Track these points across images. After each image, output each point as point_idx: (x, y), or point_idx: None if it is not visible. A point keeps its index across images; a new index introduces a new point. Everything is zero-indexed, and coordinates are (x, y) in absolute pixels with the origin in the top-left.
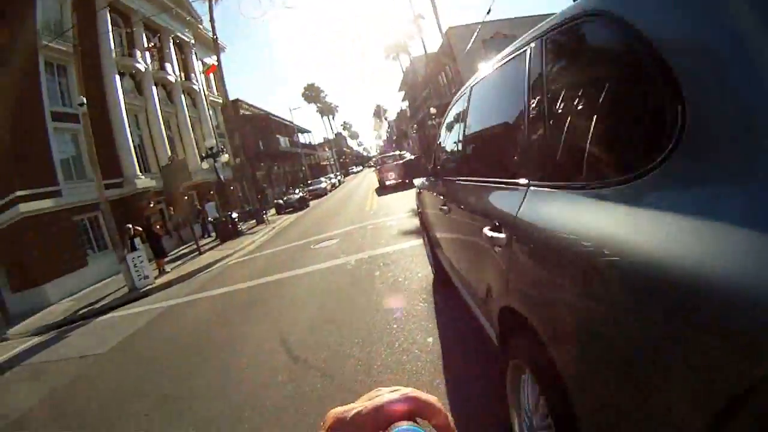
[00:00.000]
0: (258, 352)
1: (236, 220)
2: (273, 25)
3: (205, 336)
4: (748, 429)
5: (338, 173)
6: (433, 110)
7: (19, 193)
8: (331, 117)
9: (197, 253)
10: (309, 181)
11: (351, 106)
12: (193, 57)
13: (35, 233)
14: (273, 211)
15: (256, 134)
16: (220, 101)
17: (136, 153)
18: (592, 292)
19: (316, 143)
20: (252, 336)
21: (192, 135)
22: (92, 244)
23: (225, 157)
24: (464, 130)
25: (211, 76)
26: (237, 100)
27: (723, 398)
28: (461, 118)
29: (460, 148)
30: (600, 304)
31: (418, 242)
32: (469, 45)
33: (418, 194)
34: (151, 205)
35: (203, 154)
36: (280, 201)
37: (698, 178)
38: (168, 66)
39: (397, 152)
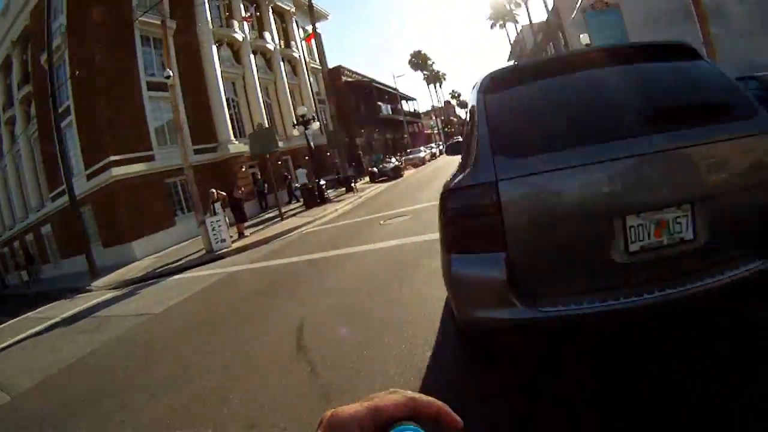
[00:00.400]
0: (274, 327)
1: (324, 187)
2: None
3: (243, 306)
4: None
5: (440, 143)
6: None
7: (112, 158)
8: (438, 85)
9: (279, 219)
10: (408, 150)
11: (459, 74)
12: (294, 25)
13: (126, 195)
14: (367, 179)
15: (357, 101)
16: (321, 68)
17: (231, 119)
18: None
19: (423, 111)
20: (277, 311)
21: (290, 101)
22: (182, 206)
23: (316, 125)
24: None
25: (313, 42)
26: (339, 67)
27: None
28: None
29: None
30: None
31: None
32: (574, 14)
33: None
34: (243, 170)
35: (299, 120)
36: (374, 169)
37: None
38: (267, 35)
39: None
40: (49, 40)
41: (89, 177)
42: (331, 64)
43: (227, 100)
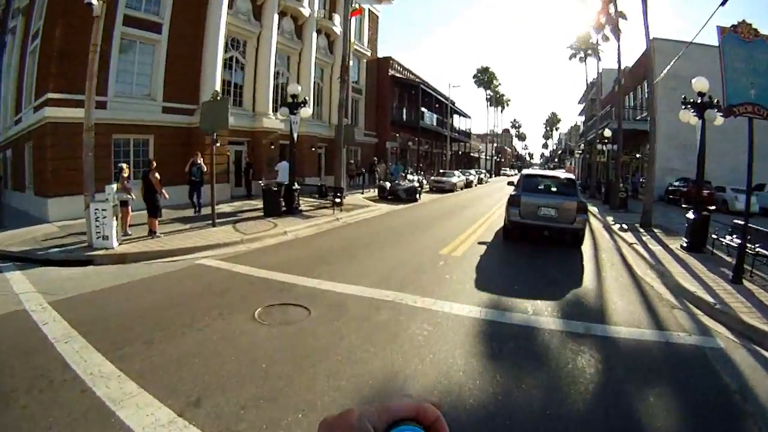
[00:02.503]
0: None
1: (297, 192)
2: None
3: None
4: None
5: (484, 170)
6: (608, 132)
7: (50, 95)
8: (500, 109)
9: (211, 224)
10: (441, 170)
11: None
12: None
13: (58, 141)
14: (374, 192)
15: (401, 100)
16: (368, 54)
17: (226, 83)
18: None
19: (479, 133)
20: None
21: (312, 78)
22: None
23: (307, 112)
24: None
25: (366, 24)
26: (389, 59)
27: None
28: None
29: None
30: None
31: None
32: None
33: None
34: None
35: (289, 101)
36: (385, 183)
37: None
38: None
39: (559, 172)
40: None
41: (35, 110)
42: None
43: (229, 59)
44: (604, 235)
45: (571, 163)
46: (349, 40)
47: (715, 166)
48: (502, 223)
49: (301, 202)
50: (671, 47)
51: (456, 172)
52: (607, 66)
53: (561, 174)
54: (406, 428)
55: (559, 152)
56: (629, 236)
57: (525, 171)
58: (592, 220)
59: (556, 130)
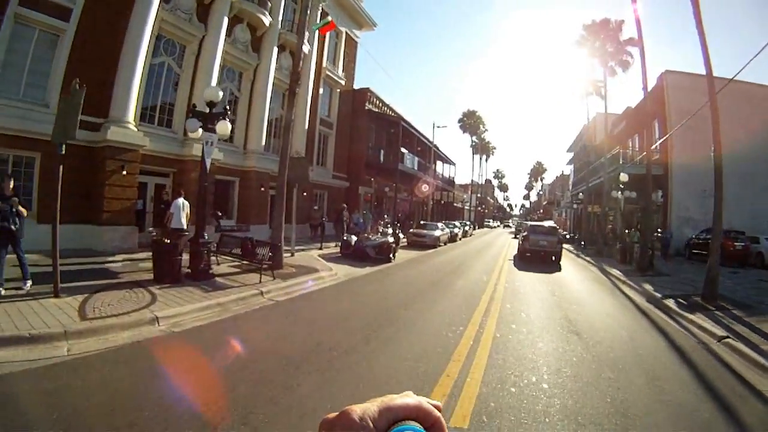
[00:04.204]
0: None
1: (208, 246)
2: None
3: None
4: None
5: (469, 222)
6: (623, 176)
7: None
8: (485, 157)
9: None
10: (423, 221)
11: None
12: (319, 13)
13: None
14: (335, 246)
15: (378, 140)
16: (343, 83)
17: (147, 94)
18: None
19: (461, 183)
20: None
21: (268, 101)
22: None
23: (226, 128)
24: None
25: (342, 49)
26: (367, 90)
27: None
28: None
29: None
30: None
31: None
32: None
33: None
34: (124, 173)
35: (201, 112)
36: (350, 237)
37: None
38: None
39: (547, 223)
40: None
41: None
42: (356, 85)
43: (158, 65)
44: (667, 322)
45: (560, 215)
46: (320, 64)
47: (733, 214)
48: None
49: (222, 260)
50: (686, 80)
51: (439, 224)
52: (612, 108)
53: (547, 224)
54: (407, 428)
55: (544, 203)
56: (705, 322)
57: (531, 223)
58: (629, 291)
59: (541, 180)
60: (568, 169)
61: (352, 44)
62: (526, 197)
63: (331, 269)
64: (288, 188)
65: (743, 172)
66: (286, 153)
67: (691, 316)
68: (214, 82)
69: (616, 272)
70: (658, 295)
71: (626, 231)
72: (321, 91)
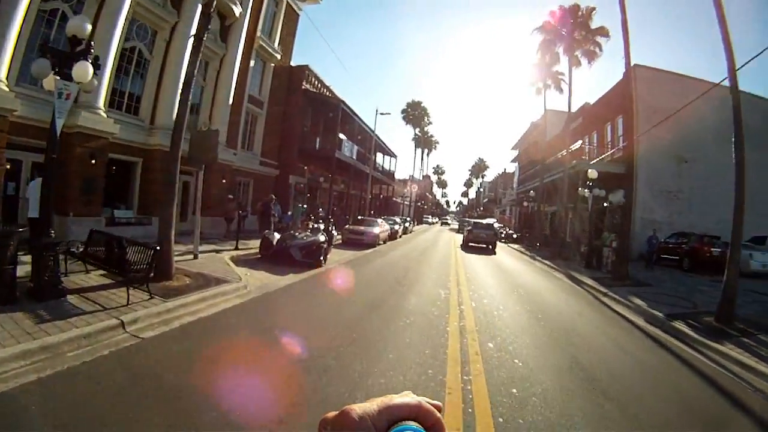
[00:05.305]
0: None
1: (56, 248)
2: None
3: None
4: None
5: (409, 218)
6: (592, 173)
7: None
8: (426, 152)
9: None
10: (360, 216)
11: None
12: None
13: None
14: (254, 246)
15: (314, 124)
16: (278, 57)
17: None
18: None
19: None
20: None
21: (184, 68)
22: None
23: (85, 72)
24: None
25: (281, 20)
26: (305, 68)
27: None
28: None
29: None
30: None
31: None
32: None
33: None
34: None
35: (59, 51)
36: (272, 235)
37: None
38: None
39: (489, 220)
40: None
41: None
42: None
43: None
44: (693, 355)
45: (504, 213)
46: (253, 32)
47: (699, 218)
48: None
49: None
50: (653, 76)
51: (378, 220)
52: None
53: (486, 221)
54: (407, 428)
55: (485, 200)
56: (742, 355)
57: (474, 220)
58: (617, 307)
59: (483, 177)
60: (512, 167)
61: (293, 15)
62: (465, 194)
63: (241, 279)
64: (174, 165)
65: (709, 175)
66: (182, 119)
67: (719, 347)
68: (114, 40)
69: (588, 281)
70: (660, 315)
71: (594, 233)
72: (252, 63)
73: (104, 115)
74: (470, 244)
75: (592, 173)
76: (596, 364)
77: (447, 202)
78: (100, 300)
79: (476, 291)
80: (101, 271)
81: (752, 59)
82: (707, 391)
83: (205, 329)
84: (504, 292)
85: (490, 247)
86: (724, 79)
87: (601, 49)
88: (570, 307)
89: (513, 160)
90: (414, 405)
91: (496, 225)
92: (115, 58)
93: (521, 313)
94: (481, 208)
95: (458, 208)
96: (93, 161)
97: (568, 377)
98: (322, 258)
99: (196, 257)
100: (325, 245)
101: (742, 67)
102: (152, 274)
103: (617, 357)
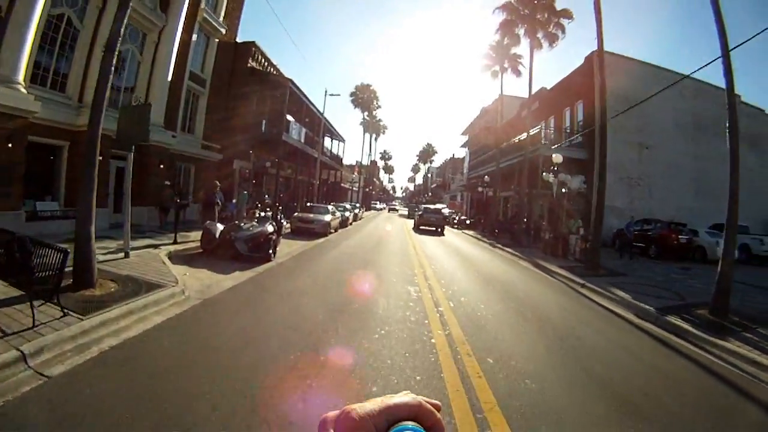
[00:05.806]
0: None
1: None
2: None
3: None
4: None
5: (358, 205)
6: (557, 157)
7: None
8: (374, 136)
9: None
10: (309, 203)
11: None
12: None
13: None
14: (196, 239)
15: (260, 105)
16: (223, 32)
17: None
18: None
19: (349, 162)
20: None
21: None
22: None
23: None
24: None
25: None
26: (251, 45)
27: None
28: None
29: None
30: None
31: None
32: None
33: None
34: None
35: None
36: (214, 226)
37: None
38: None
39: (438, 206)
40: None
41: None
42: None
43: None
44: (699, 353)
45: (454, 198)
46: (196, 3)
47: (659, 204)
48: None
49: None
50: (615, 62)
51: (329, 207)
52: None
53: (435, 206)
54: (407, 428)
55: (433, 186)
56: (752, 352)
57: (424, 206)
58: (600, 299)
59: (431, 162)
60: (462, 152)
61: None
62: (412, 180)
63: (178, 282)
64: (92, 146)
65: (669, 163)
66: (103, 89)
67: (726, 344)
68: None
69: (560, 270)
70: (651, 309)
71: (562, 219)
72: (195, 37)
73: (24, 90)
74: (421, 227)
75: (557, 158)
76: (620, 382)
77: (393, 188)
78: (2, 320)
79: (448, 287)
80: (2, 282)
81: (748, 40)
82: (733, 397)
83: (129, 358)
84: (479, 288)
85: (439, 230)
86: (697, 70)
87: (564, 32)
88: (558, 303)
89: (463, 146)
90: (414, 405)
91: (446, 211)
92: (38, 27)
93: (506, 312)
94: (429, 194)
95: (405, 194)
96: (9, 145)
97: (576, 380)
98: (271, 251)
99: (127, 255)
100: (273, 236)
101: (736, 47)
102: (66, 283)
103: (635, 368)
